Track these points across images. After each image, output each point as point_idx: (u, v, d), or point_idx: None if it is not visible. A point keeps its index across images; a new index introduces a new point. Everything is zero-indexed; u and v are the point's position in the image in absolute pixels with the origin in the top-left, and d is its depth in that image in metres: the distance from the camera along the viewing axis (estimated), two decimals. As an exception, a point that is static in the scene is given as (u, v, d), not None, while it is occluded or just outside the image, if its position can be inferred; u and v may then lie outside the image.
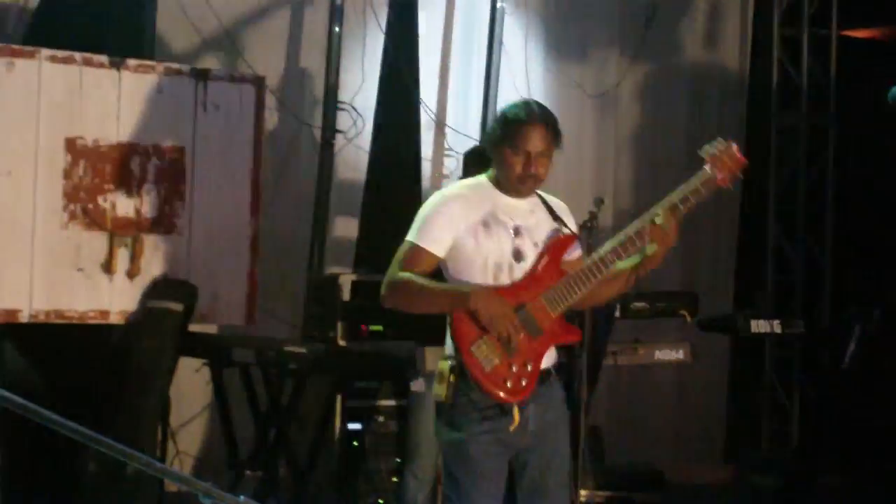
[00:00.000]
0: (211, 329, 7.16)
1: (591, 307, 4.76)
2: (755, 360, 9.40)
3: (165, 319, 6.57)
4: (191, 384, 7.26)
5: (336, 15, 7.72)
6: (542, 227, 4.51)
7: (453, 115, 8.45)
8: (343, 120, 7.88)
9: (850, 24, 9.44)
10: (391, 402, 6.99)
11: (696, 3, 9.41)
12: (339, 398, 6.87)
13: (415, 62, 8.17)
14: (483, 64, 8.48)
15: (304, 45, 7.97)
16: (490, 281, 4.41)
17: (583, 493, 6.63)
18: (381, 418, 6.98)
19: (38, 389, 6.36)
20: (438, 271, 4.50)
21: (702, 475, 7.34)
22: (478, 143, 7.76)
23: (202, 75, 6.87)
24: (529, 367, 4.38)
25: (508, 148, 4.44)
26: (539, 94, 8.54)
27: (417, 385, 6.17)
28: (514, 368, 4.36)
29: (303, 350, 6.46)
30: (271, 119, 7.40)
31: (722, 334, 8.74)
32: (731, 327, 8.17)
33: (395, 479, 6.81)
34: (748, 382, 9.42)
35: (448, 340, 4.41)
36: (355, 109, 7.95)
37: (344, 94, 7.87)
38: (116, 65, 6.61)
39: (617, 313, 7.16)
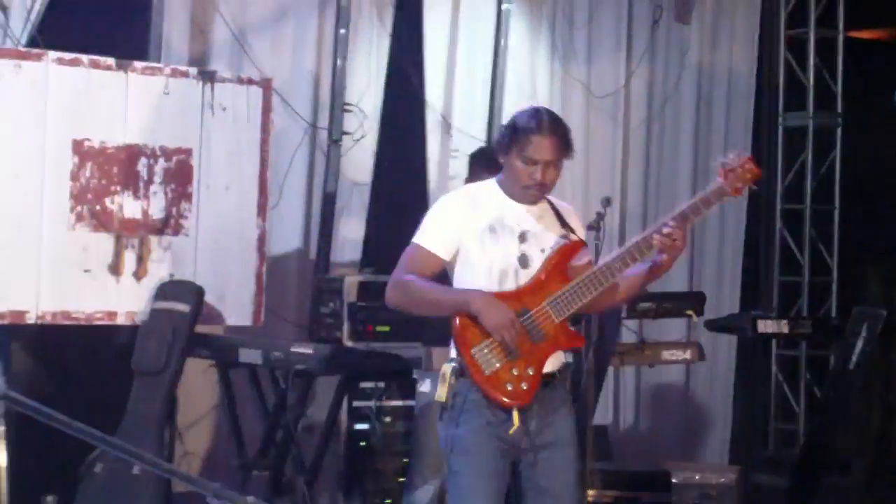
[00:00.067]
0: (218, 330, 7.17)
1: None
2: (762, 361, 9.40)
3: (172, 320, 6.58)
4: (198, 385, 7.26)
5: (342, 16, 7.72)
6: (549, 233, 4.51)
7: (459, 116, 8.44)
8: (349, 121, 7.89)
9: (857, 25, 9.44)
10: (398, 403, 6.99)
11: (702, 3, 9.41)
12: (345, 398, 6.87)
13: (421, 63, 8.18)
14: (489, 65, 8.48)
15: (311, 47, 7.97)
16: (495, 286, 4.41)
17: (590, 493, 6.63)
18: (387, 419, 6.99)
19: (45, 390, 6.38)
20: (444, 273, 4.51)
21: (708, 475, 7.33)
22: (484, 145, 7.77)
23: (209, 77, 6.88)
24: (531, 372, 4.38)
25: (516, 156, 4.43)
26: (545, 96, 8.55)
27: (424, 386, 6.17)
28: (515, 372, 4.36)
29: (309, 350, 6.47)
30: (278, 121, 7.40)
31: (728, 334, 8.75)
32: (738, 327, 8.18)
33: (401, 480, 6.81)
34: (755, 382, 9.42)
35: (452, 343, 4.42)
36: (361, 111, 7.95)
37: (350, 96, 7.88)
38: (123, 67, 6.62)
39: (624, 314, 7.17)
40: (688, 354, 7.51)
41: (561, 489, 4.48)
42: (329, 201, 7.76)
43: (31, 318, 6.39)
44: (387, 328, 7.00)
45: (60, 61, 6.47)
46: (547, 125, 4.43)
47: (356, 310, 7.00)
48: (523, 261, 4.45)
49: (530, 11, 8.71)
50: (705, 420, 9.32)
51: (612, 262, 4.42)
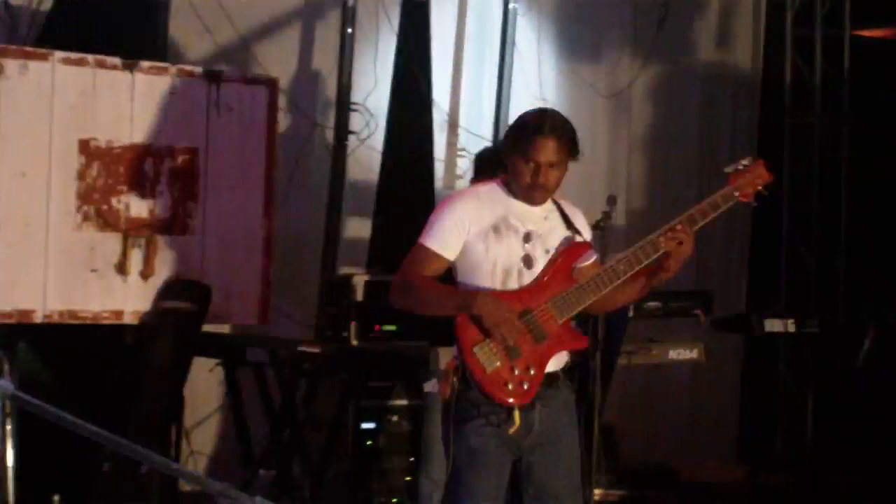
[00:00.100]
0: (224, 329, 7.18)
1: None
2: (769, 360, 9.39)
3: (179, 319, 6.58)
4: (205, 384, 7.27)
5: (348, 16, 7.73)
6: (554, 234, 4.50)
7: (466, 115, 8.45)
8: (356, 121, 7.89)
9: (863, 23, 9.43)
10: (405, 402, 6.99)
11: (708, 3, 9.40)
12: (352, 398, 6.87)
13: (427, 63, 8.18)
14: (496, 65, 8.49)
15: (317, 47, 7.98)
16: (498, 286, 4.41)
17: (597, 491, 6.64)
18: (394, 418, 6.98)
19: (52, 389, 6.39)
20: (449, 273, 4.51)
21: (715, 474, 7.34)
22: (490, 144, 7.78)
23: (215, 77, 6.88)
24: (532, 371, 4.38)
25: (519, 156, 4.43)
26: (552, 95, 8.55)
27: (431, 385, 6.17)
28: (516, 371, 4.35)
29: (316, 350, 6.47)
30: (284, 120, 7.41)
31: (736, 334, 8.74)
32: (745, 327, 8.18)
33: (408, 479, 6.82)
34: (762, 382, 9.41)
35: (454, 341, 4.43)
36: (368, 110, 7.96)
37: (356, 95, 7.88)
38: (129, 67, 6.63)
39: (631, 313, 7.16)
40: (695, 354, 7.51)
41: (562, 490, 4.48)
42: (336, 201, 7.76)
43: (37, 318, 6.39)
44: (394, 327, 7.00)
45: (66, 61, 6.47)
46: (550, 126, 4.42)
47: (363, 309, 7.00)
48: (527, 261, 4.45)
49: (537, 11, 8.71)
50: (712, 419, 9.32)
51: (618, 263, 4.42)
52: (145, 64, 6.67)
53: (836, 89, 9.41)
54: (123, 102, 6.59)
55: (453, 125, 8.37)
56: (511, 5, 8.41)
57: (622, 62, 9.06)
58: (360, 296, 7.04)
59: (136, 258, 6.62)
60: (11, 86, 6.33)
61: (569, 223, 4.53)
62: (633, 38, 9.10)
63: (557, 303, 4.39)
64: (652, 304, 7.22)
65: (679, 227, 4.44)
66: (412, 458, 6.85)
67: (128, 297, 6.61)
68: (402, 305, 4.52)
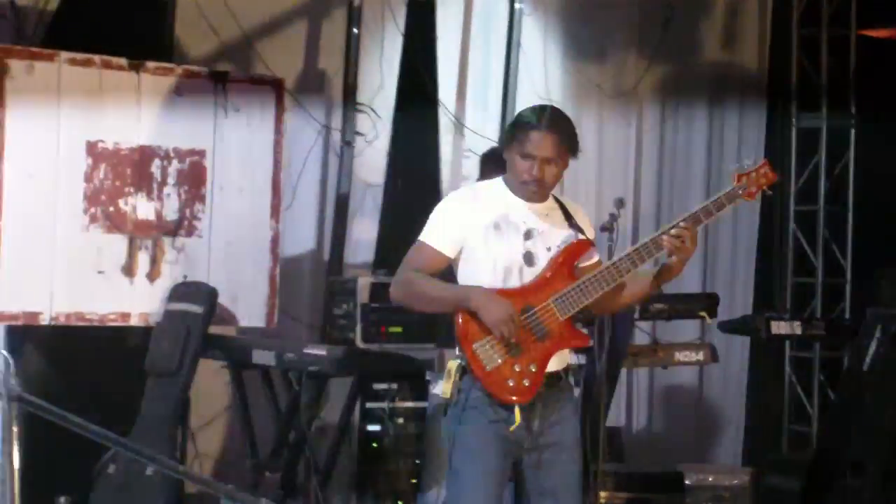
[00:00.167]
0: (231, 331, 7.17)
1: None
2: (775, 362, 9.37)
3: (186, 322, 6.58)
4: (211, 386, 7.27)
5: (354, 17, 7.73)
6: (556, 232, 4.50)
7: (472, 116, 8.44)
8: (362, 122, 7.89)
9: (869, 23, 9.41)
10: (410, 404, 6.99)
11: (714, 3, 9.39)
12: (358, 400, 6.87)
13: (433, 64, 8.17)
14: (502, 65, 8.48)
15: (323, 47, 7.97)
16: (499, 283, 4.40)
17: (602, 494, 6.62)
18: (400, 420, 6.98)
19: (58, 391, 6.38)
20: (450, 271, 4.50)
21: (721, 477, 7.32)
22: (496, 145, 7.76)
23: (221, 78, 6.88)
24: (534, 369, 4.37)
25: (517, 151, 4.43)
26: (558, 95, 8.54)
27: (437, 387, 6.16)
28: (518, 368, 4.35)
29: (322, 352, 6.47)
30: (290, 121, 7.40)
31: (742, 336, 8.72)
32: (751, 329, 8.15)
33: (414, 481, 6.81)
34: (768, 384, 9.40)
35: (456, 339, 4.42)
36: (374, 111, 7.96)
37: (362, 96, 7.88)
38: (135, 67, 6.63)
39: (637, 315, 7.15)
40: (701, 356, 7.50)
41: (562, 490, 4.47)
42: (342, 202, 7.76)
43: (44, 320, 6.40)
44: (399, 329, 7.00)
45: (73, 61, 6.48)
46: (547, 121, 4.41)
47: (369, 311, 7.00)
48: (528, 258, 4.44)
49: (543, 11, 8.70)
50: (718, 421, 9.30)
51: (620, 261, 4.41)
52: (151, 64, 6.67)
53: (842, 89, 9.39)
54: (130, 103, 6.60)
55: (459, 126, 8.36)
56: (517, 6, 8.40)
57: (628, 62, 9.05)
58: (366, 298, 7.03)
59: (142, 260, 6.63)
60: (18, 86, 6.34)
61: (571, 221, 4.52)
62: (639, 39, 9.08)
63: (559, 300, 4.38)
64: (658, 306, 7.21)
65: (682, 225, 4.43)
66: (417, 461, 6.85)
67: (134, 300, 6.61)
68: (399, 301, 4.52)
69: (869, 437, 7.21)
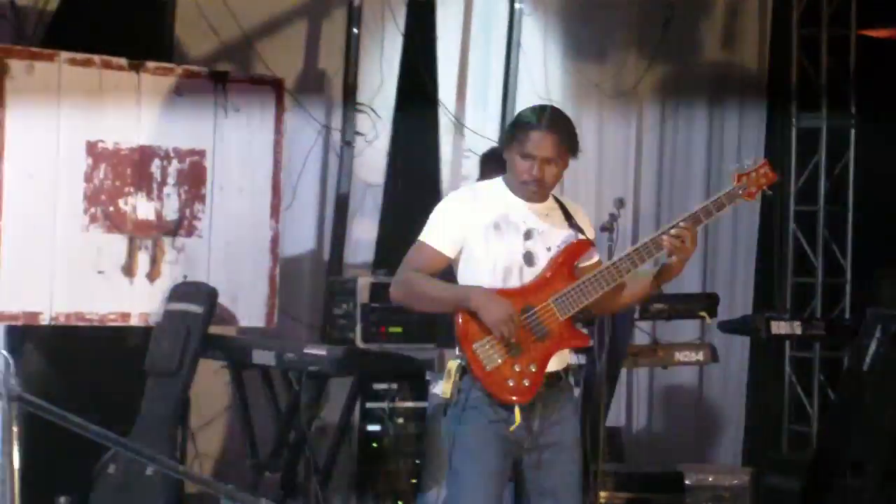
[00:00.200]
0: (231, 331, 7.17)
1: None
2: (775, 362, 9.38)
3: (186, 322, 6.58)
4: (211, 386, 7.26)
5: (354, 17, 7.73)
6: (556, 232, 4.50)
7: (472, 116, 8.44)
8: (362, 122, 7.89)
9: (869, 23, 9.41)
10: (410, 404, 6.99)
11: (714, 3, 9.39)
12: (358, 400, 6.87)
13: (433, 64, 8.17)
14: (502, 65, 8.48)
15: (323, 47, 7.97)
16: (499, 283, 4.40)
17: (602, 494, 6.62)
18: (400, 420, 6.98)
19: (58, 391, 6.38)
20: (450, 271, 4.50)
21: (721, 477, 7.32)
22: (496, 145, 7.76)
23: (221, 77, 6.88)
24: (533, 369, 4.37)
25: (516, 151, 4.44)
26: (558, 95, 8.53)
27: (437, 387, 6.16)
28: (517, 369, 4.35)
29: (322, 352, 6.47)
30: (290, 121, 7.40)
31: (742, 336, 8.72)
32: (751, 329, 8.15)
33: (414, 481, 6.81)
34: (768, 384, 9.40)
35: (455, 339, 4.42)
36: (374, 111, 7.96)
37: (362, 96, 7.88)
38: (135, 67, 6.63)
39: (637, 315, 7.15)
40: (701, 356, 7.50)
41: (562, 490, 4.47)
42: (342, 202, 7.76)
43: (44, 320, 6.40)
44: (399, 329, 7.00)
45: (73, 61, 6.48)
46: (547, 121, 4.42)
47: (369, 311, 7.01)
48: (528, 258, 4.44)
49: (543, 11, 8.70)
50: (718, 421, 9.30)
51: (620, 261, 4.41)
52: (151, 64, 6.67)
53: (842, 89, 9.39)
54: (130, 103, 6.60)
55: (459, 126, 8.36)
56: (517, 5, 8.40)
57: (628, 62, 9.05)
58: (366, 298, 7.04)
59: (142, 260, 6.63)
60: (18, 86, 6.34)
61: (571, 221, 4.52)
62: (639, 39, 9.08)
63: (559, 300, 4.39)
64: (658, 306, 7.21)
65: (682, 225, 4.43)
66: (417, 461, 6.85)
67: (134, 299, 6.61)
68: (399, 301, 4.53)
69: (869, 437, 7.21)
